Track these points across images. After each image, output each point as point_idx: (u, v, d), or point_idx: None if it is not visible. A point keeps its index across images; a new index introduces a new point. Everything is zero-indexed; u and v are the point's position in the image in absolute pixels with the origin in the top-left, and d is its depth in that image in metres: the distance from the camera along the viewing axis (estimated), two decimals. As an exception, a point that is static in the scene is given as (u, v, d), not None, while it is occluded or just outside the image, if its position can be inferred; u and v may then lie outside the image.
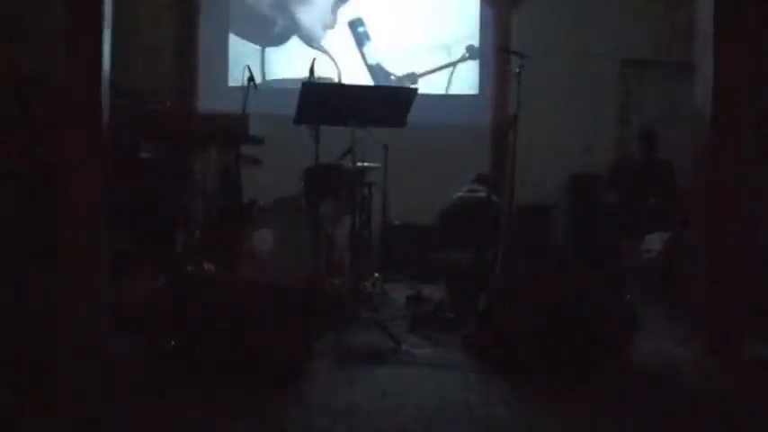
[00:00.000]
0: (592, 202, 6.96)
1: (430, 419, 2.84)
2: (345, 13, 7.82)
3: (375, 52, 7.81)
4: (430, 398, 3.09)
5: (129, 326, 3.59)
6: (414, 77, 7.68)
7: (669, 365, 3.68)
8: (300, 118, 4.27)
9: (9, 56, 5.40)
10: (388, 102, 4.33)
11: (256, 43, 7.65)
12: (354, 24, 7.83)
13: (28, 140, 4.57)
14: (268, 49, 7.68)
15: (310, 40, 7.71)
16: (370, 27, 7.78)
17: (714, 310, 3.84)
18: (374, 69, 7.77)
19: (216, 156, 5.09)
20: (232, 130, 4.65)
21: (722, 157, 3.84)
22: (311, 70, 4.51)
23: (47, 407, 2.79)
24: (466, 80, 7.85)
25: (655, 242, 5.44)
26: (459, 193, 5.35)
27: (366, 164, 5.26)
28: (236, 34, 7.64)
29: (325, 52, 7.53)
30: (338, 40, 7.76)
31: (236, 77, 5.31)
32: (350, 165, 4.45)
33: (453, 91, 7.79)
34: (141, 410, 2.82)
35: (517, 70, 4.46)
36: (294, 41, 7.72)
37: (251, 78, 4.87)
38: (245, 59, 6.04)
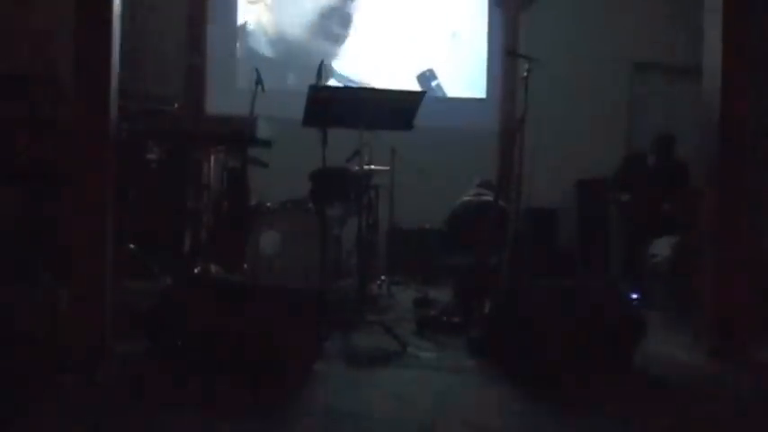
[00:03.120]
0: (600, 206, 6.96)
1: (435, 423, 2.84)
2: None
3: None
4: (435, 401, 3.08)
5: (135, 326, 3.60)
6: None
7: (676, 370, 3.67)
8: (308, 120, 4.28)
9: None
10: (395, 105, 4.33)
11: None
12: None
13: (36, 140, 4.59)
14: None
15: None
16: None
17: (719, 313, 3.83)
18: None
19: (223, 158, 5.10)
20: (240, 133, 4.67)
21: (728, 161, 3.84)
22: (319, 72, 4.51)
23: (49, 408, 2.80)
24: (473, 84, 7.85)
25: (663, 246, 5.42)
26: (466, 197, 5.35)
27: (373, 167, 5.27)
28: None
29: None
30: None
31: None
32: (357, 168, 4.46)
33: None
34: (146, 411, 2.83)
35: (525, 74, 4.45)
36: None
37: (259, 81, 4.89)
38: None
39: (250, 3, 7.43)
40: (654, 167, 6.07)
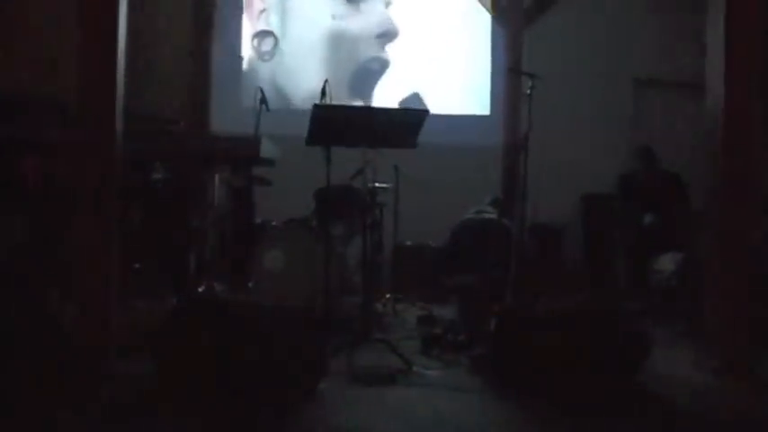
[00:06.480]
0: (605, 221, 6.94)
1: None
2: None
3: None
4: (440, 419, 3.07)
5: (140, 346, 3.60)
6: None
7: (680, 387, 3.64)
8: (312, 139, 4.29)
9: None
10: (399, 123, 4.34)
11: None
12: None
13: (42, 162, 4.62)
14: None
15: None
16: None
17: (723, 330, 3.81)
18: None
19: (228, 177, 5.12)
20: (244, 152, 4.68)
21: (732, 177, 3.83)
22: (323, 91, 4.53)
23: (54, 425, 2.80)
24: (477, 101, 7.88)
25: (667, 262, 5.41)
26: (468, 215, 5.36)
27: (377, 185, 5.28)
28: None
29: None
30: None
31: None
32: (361, 186, 4.46)
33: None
34: (149, 429, 2.82)
35: (528, 90, 4.47)
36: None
37: (263, 100, 4.91)
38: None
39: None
40: (647, 181, 6.10)
